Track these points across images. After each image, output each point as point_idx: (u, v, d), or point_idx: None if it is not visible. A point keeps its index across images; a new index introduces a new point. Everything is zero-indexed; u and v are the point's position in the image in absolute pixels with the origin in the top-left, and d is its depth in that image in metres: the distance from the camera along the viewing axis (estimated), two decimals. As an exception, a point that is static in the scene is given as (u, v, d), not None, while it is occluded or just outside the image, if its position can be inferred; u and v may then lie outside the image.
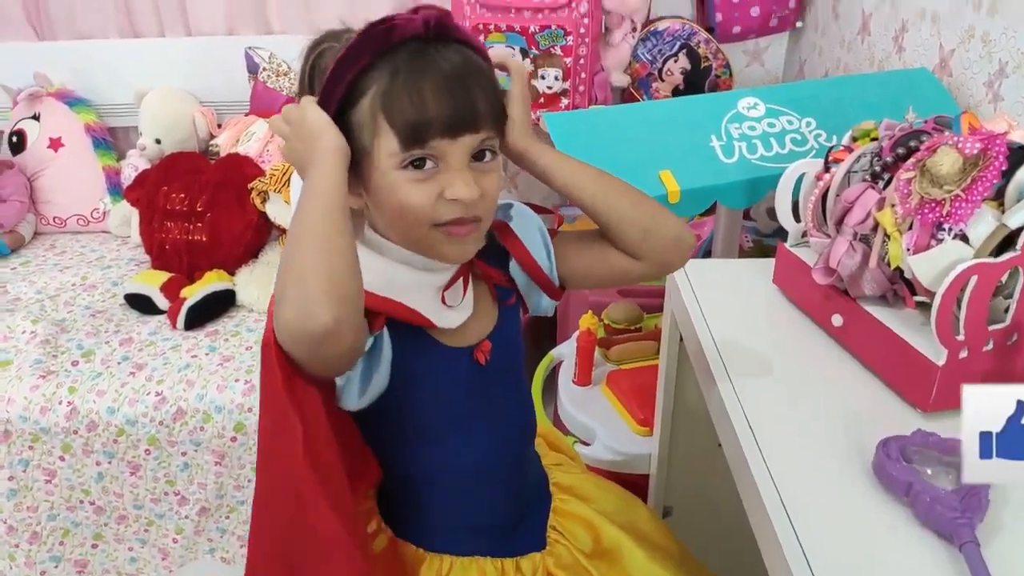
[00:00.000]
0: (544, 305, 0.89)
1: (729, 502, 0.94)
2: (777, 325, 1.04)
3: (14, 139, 2.04)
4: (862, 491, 0.75)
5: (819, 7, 1.97)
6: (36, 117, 2.02)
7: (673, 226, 0.81)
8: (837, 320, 0.95)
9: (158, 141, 1.99)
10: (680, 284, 1.13)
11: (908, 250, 0.82)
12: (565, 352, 1.66)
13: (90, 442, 1.51)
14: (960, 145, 0.76)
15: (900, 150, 0.88)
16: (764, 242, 1.94)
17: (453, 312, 0.79)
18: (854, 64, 1.76)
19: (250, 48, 2.02)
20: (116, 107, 2.11)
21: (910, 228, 0.83)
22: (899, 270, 0.86)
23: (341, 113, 0.71)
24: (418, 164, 0.70)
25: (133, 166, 2.01)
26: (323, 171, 0.68)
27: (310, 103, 0.71)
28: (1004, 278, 0.80)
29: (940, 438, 0.77)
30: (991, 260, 0.77)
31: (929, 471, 0.76)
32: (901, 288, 0.89)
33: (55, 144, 2.02)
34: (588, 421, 1.47)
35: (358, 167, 0.72)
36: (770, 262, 1.11)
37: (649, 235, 0.80)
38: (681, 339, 1.15)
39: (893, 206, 0.85)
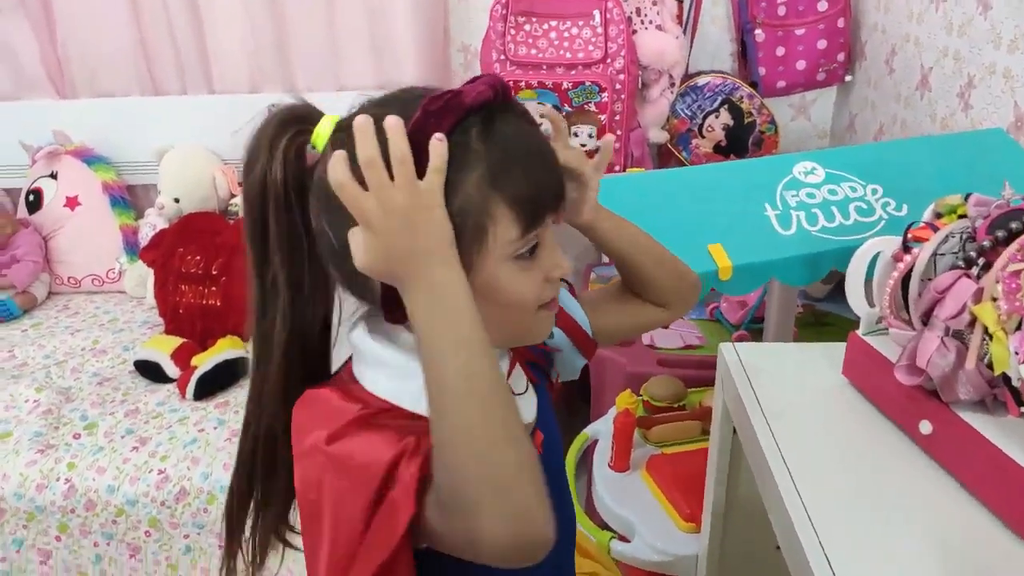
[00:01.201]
0: (577, 365, 0.84)
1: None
2: (848, 424, 0.90)
3: (31, 198, 1.99)
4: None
5: (871, 60, 1.86)
6: (54, 175, 1.97)
7: (690, 271, 0.84)
8: (925, 427, 0.82)
9: (177, 200, 1.92)
10: (733, 370, 1.01)
11: (1017, 355, 0.69)
12: (601, 430, 1.52)
13: (88, 522, 1.41)
14: (1086, 232, 0.63)
15: (999, 232, 0.75)
16: (816, 307, 1.81)
17: (523, 401, 0.70)
18: (913, 120, 1.64)
19: (274, 105, 1.94)
20: (136, 165, 2.05)
21: (1018, 328, 0.70)
22: (1004, 374, 0.73)
23: None
24: (529, 252, 0.61)
25: (151, 225, 1.94)
26: (453, 278, 0.54)
27: (409, 174, 0.54)
28: None
29: (1069, 589, 0.63)
30: None
31: (1058, 632, 0.62)
32: (1003, 393, 0.76)
33: (72, 203, 1.97)
34: (626, 514, 1.33)
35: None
36: (835, 347, 0.98)
37: (678, 284, 0.83)
38: (735, 431, 1.03)
39: (995, 300, 0.72)
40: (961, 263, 0.78)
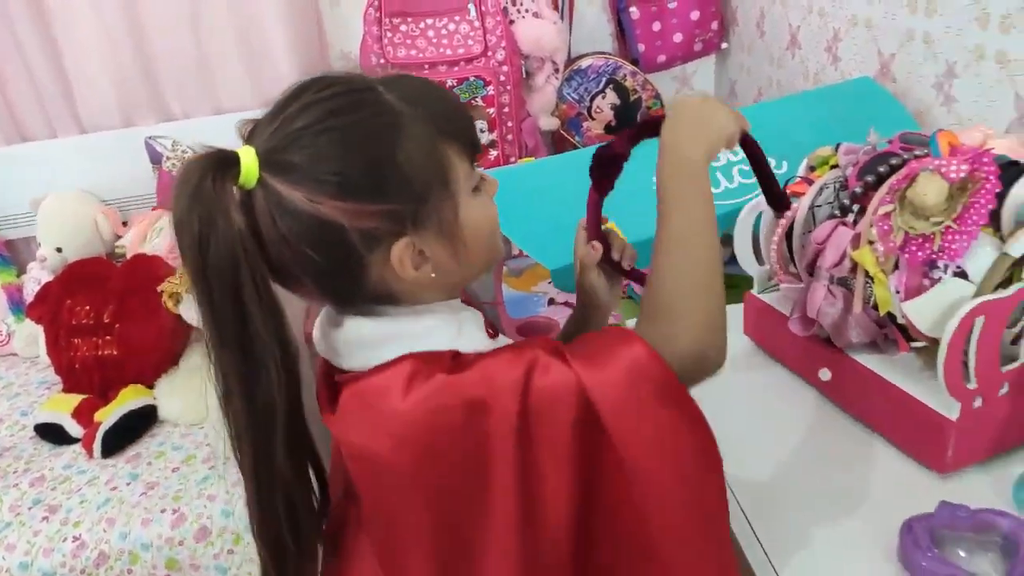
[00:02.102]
0: None
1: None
2: (754, 382, 0.92)
3: (-103, 270, 1.85)
4: (892, 588, 0.63)
5: (743, 26, 1.90)
6: (-80, 241, 1.84)
7: None
8: (825, 374, 0.84)
9: (59, 250, 1.82)
10: (642, 346, 1.01)
11: (898, 293, 0.71)
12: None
13: (4, 605, 1.32)
14: (944, 170, 0.65)
15: (869, 178, 0.77)
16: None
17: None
18: (787, 80, 1.68)
19: (150, 138, 1.87)
20: (11, 218, 1.93)
21: (896, 268, 0.72)
22: (889, 313, 0.75)
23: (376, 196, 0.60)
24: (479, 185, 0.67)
25: (36, 280, 1.83)
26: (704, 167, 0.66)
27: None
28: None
29: (970, 511, 0.65)
30: (998, 296, 0.66)
31: (962, 553, 0.64)
32: (892, 331, 0.78)
33: (-55, 269, 1.84)
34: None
35: (433, 231, 0.62)
36: (737, 308, 0.99)
37: None
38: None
39: (872, 243, 0.74)
40: (837, 212, 0.80)
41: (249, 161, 0.58)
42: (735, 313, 0.98)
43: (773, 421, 0.85)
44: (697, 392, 0.87)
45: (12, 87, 1.87)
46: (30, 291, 1.83)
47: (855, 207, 0.79)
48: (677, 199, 0.65)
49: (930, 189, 0.65)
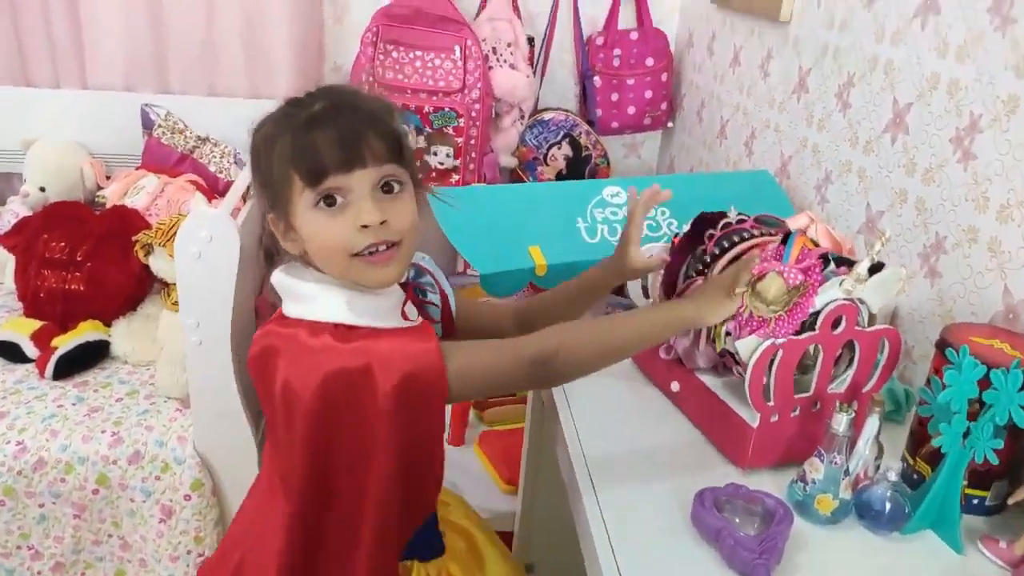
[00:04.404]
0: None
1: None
2: (626, 390, 1.14)
3: None
4: (682, 538, 0.85)
5: (687, 111, 2.19)
6: (-90, 159, 1.97)
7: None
8: (675, 386, 1.07)
9: (42, 189, 1.96)
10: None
11: (729, 335, 0.95)
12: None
13: (-61, 493, 1.45)
14: (786, 275, 0.89)
15: (725, 243, 1.02)
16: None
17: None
18: (713, 163, 1.96)
19: (147, 105, 2.05)
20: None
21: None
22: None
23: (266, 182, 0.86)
24: (328, 202, 0.81)
25: (13, 212, 1.96)
26: (681, 324, 0.93)
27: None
28: (814, 354, 0.94)
29: (748, 490, 0.88)
30: (793, 337, 0.90)
31: (737, 520, 0.87)
32: (728, 360, 1.02)
33: (-71, 188, 1.97)
34: (457, 479, 1.53)
35: (288, 218, 0.84)
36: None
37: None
38: (543, 404, 1.25)
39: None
40: (700, 267, 1.04)
41: None
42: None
43: (633, 419, 1.07)
44: (586, 398, 1.09)
45: (28, 36, 2.03)
46: (6, 222, 1.96)
47: (712, 265, 1.03)
48: (651, 326, 0.92)
49: (773, 287, 0.89)
